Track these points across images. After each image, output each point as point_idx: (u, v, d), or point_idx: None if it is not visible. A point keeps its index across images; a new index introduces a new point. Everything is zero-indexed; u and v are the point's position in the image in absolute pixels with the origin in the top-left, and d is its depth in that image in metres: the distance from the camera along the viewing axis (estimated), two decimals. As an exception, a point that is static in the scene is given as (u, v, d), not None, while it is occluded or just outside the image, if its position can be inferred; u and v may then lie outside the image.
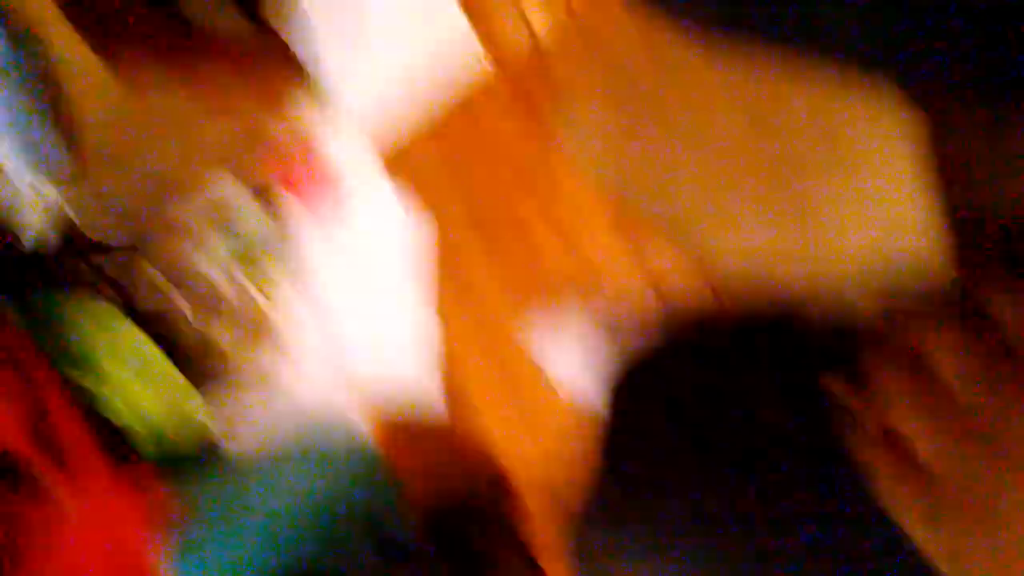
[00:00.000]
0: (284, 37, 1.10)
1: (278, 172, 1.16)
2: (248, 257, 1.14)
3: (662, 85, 0.90)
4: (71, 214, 0.87)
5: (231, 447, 1.12)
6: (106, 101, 0.86)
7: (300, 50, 1.11)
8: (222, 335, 1.16)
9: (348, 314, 1.15)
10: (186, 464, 1.09)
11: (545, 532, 1.05)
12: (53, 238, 0.88)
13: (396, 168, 1.12)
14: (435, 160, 1.10)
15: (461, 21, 1.02)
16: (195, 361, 1.16)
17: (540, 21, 0.98)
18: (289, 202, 1.16)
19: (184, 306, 1.16)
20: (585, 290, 1.00)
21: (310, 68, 1.11)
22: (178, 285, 1.18)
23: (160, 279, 1.15)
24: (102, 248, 1.09)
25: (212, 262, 1.17)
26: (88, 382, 0.99)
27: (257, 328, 1.19)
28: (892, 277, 0.77)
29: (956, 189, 0.64)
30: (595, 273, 0.99)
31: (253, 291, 1.17)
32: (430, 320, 1.10)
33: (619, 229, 0.97)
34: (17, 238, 0.85)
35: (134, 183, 0.96)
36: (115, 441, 1.04)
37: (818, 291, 0.83)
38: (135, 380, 1.03)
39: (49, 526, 0.89)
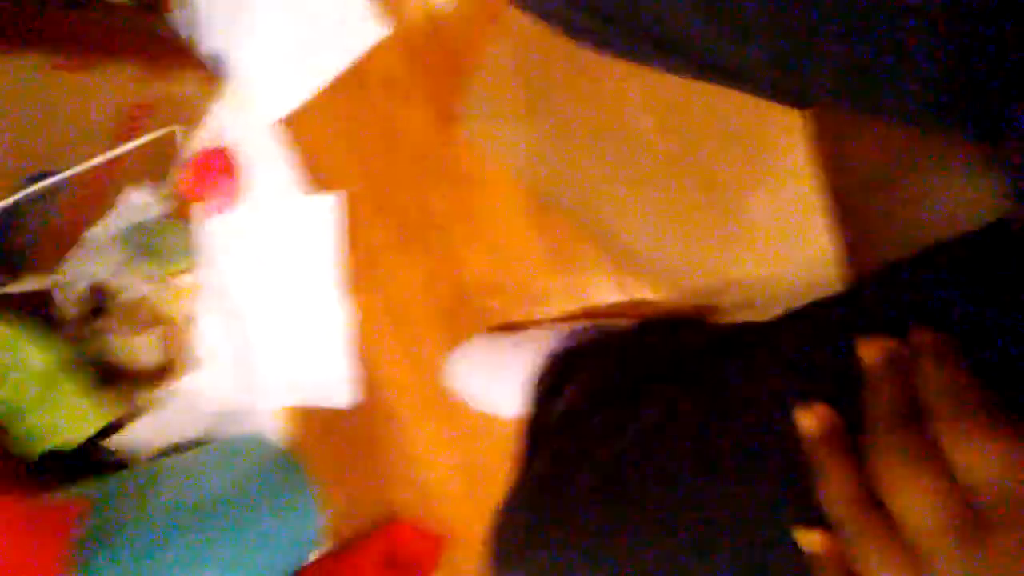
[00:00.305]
0: (167, 12, 1.07)
1: (181, 172, 1.11)
2: (152, 258, 1.09)
3: (573, 81, 0.89)
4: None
5: (136, 451, 1.07)
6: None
7: (186, 24, 1.07)
8: (127, 338, 1.10)
9: (257, 307, 1.10)
10: (91, 472, 1.04)
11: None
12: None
13: (298, 145, 1.08)
14: (335, 137, 1.06)
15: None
16: (103, 367, 1.12)
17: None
18: (193, 198, 1.11)
19: (83, 312, 1.11)
20: (501, 286, 0.96)
21: (199, 44, 1.08)
22: (82, 291, 1.14)
23: (66, 289, 1.11)
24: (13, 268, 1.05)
25: (114, 266, 1.12)
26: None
27: (163, 329, 1.14)
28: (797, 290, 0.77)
29: (850, 216, 0.63)
30: (512, 268, 0.96)
31: (155, 294, 1.12)
32: (344, 307, 1.05)
33: (536, 226, 0.94)
34: None
35: (7, 153, 0.90)
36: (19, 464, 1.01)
37: (730, 297, 0.83)
38: (38, 404, 1.00)
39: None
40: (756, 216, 0.82)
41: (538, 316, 0.95)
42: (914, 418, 0.30)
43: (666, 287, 0.89)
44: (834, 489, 0.32)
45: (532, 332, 0.92)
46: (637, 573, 0.45)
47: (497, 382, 0.90)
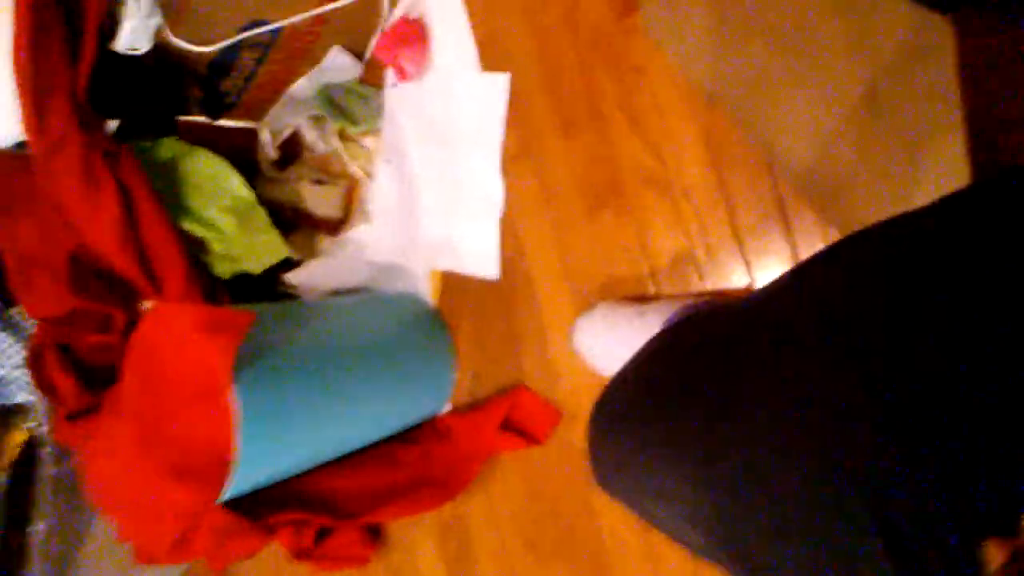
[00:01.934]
0: None
1: (380, 39, 1.18)
2: (343, 117, 1.19)
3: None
4: (163, 23, 0.93)
5: (308, 289, 1.19)
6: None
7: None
8: (313, 186, 1.22)
9: (426, 173, 1.17)
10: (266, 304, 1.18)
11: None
12: (147, 46, 0.94)
13: (483, 22, 1.12)
14: (518, 17, 1.09)
15: None
16: (290, 209, 1.24)
17: None
18: (386, 64, 1.18)
19: (280, 157, 1.23)
20: (654, 177, 0.96)
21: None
22: (281, 138, 1.25)
23: (269, 134, 1.22)
24: (226, 107, 1.17)
25: (311, 120, 1.23)
26: (192, 226, 1.09)
27: (344, 183, 1.24)
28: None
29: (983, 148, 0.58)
30: (667, 160, 0.96)
31: (343, 150, 1.22)
32: (501, 183, 1.10)
33: (698, 122, 0.93)
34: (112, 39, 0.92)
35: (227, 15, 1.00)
36: (206, 277, 1.14)
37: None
38: (237, 229, 1.12)
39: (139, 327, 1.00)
40: (935, 168, 0.77)
41: (664, 291, 0.97)
42: None
43: (820, 208, 0.86)
44: None
45: (655, 304, 0.93)
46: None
47: (619, 348, 0.92)
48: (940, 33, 0.72)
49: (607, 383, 0.63)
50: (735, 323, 0.54)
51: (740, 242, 0.91)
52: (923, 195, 0.78)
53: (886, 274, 0.44)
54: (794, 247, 0.88)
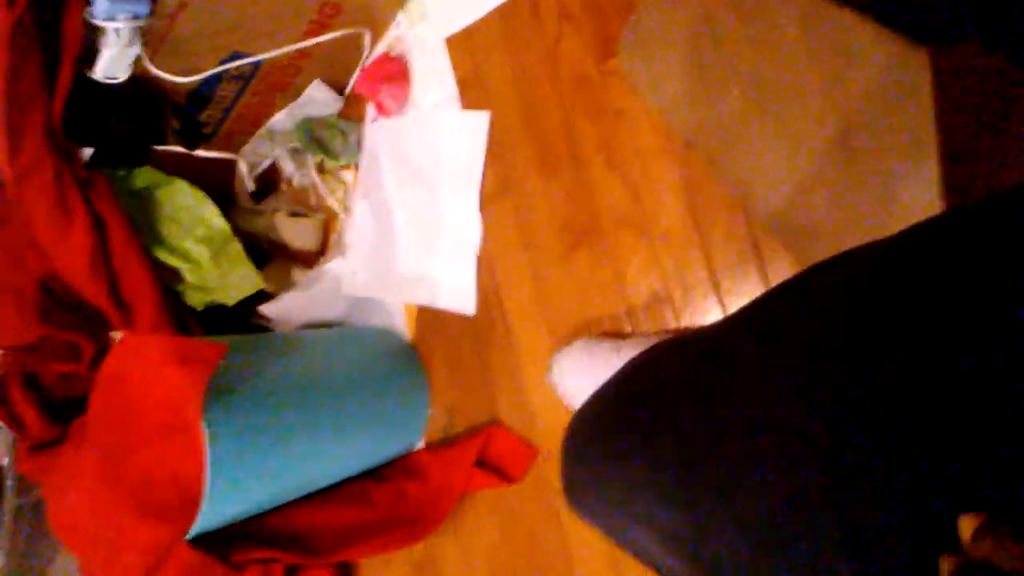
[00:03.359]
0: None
1: (362, 75, 1.19)
2: (322, 150, 1.19)
3: (737, 28, 0.87)
4: (143, 52, 0.93)
5: (282, 321, 1.18)
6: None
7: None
8: (290, 218, 1.21)
9: (404, 208, 1.17)
10: (241, 331, 1.16)
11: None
12: (126, 75, 0.94)
13: (464, 61, 1.13)
14: (499, 57, 1.10)
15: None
16: (266, 241, 1.23)
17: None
18: (366, 99, 1.19)
19: (257, 188, 1.22)
20: (630, 220, 0.97)
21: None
22: (260, 170, 1.25)
23: (247, 165, 1.22)
24: (204, 137, 1.17)
25: (289, 152, 1.23)
26: (166, 256, 1.08)
27: (322, 216, 1.24)
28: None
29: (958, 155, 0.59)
30: (643, 203, 0.97)
31: (321, 184, 1.22)
32: (479, 220, 1.10)
33: (675, 166, 0.94)
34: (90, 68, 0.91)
35: (213, 31, 1.00)
36: (178, 308, 1.13)
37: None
38: (211, 260, 1.11)
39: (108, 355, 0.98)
40: (906, 209, 0.78)
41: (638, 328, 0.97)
42: None
43: (794, 250, 0.87)
44: None
45: (632, 341, 0.94)
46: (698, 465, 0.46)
47: (595, 384, 0.92)
48: (913, 76, 0.73)
49: (582, 405, 0.63)
50: (707, 347, 0.55)
51: (716, 283, 0.92)
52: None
53: (847, 298, 0.45)
54: (769, 288, 0.89)
